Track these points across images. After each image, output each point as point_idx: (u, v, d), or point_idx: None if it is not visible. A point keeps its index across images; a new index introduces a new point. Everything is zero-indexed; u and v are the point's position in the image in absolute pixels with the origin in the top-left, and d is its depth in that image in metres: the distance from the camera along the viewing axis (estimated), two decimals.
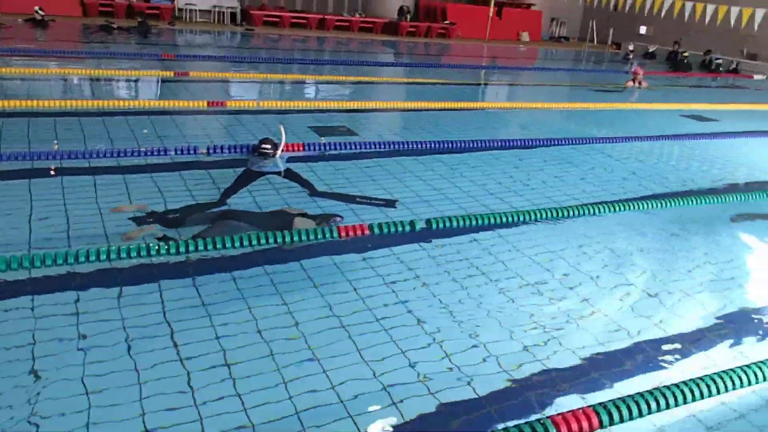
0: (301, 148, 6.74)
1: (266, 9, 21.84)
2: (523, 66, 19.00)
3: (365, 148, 7.20)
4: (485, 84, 14.56)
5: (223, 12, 20.78)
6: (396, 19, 23.03)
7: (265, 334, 3.40)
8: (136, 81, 10.38)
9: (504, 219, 5.13)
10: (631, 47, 22.03)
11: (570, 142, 8.25)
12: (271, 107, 9.06)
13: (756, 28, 19.88)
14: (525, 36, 26.61)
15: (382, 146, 7.28)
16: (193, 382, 2.95)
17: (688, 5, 22.52)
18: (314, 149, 6.96)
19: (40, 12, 16.24)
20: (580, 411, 2.70)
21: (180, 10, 20.29)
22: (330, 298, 3.84)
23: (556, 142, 8.10)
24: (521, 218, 5.24)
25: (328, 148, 7.11)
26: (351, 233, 4.51)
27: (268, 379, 3.01)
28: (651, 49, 23.26)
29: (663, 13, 23.18)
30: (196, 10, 20.41)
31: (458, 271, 4.39)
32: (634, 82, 14.33)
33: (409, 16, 23.07)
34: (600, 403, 2.77)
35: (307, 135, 7.58)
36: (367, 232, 4.56)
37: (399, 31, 22.71)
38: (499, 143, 7.84)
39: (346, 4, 24.21)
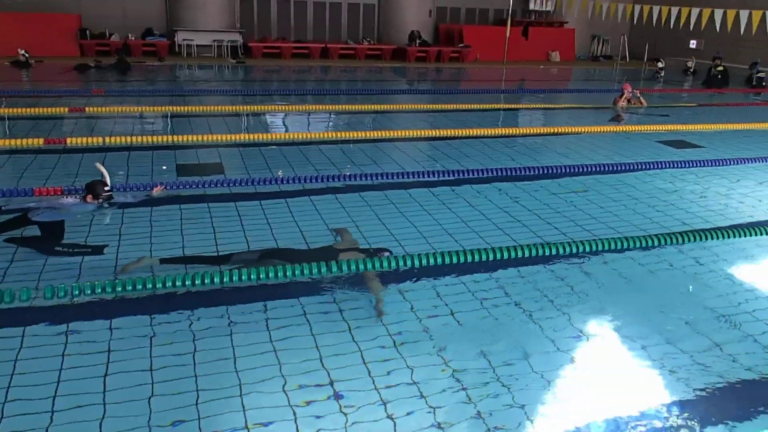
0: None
1: (267, 41, 21.42)
2: (519, 89, 17.35)
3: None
4: (464, 111, 12.79)
5: (224, 46, 20.54)
6: (405, 45, 21.95)
7: None
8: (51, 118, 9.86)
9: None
10: (660, 64, 19.66)
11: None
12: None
13: None
14: (555, 56, 24.73)
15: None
16: None
17: (743, 14, 20.01)
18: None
19: (24, 54, 16.51)
20: None
21: (179, 45, 20.22)
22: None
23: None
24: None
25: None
26: None
27: None
28: (690, 64, 20.79)
29: (716, 26, 20.73)
30: (194, 45, 20.27)
31: None
32: (621, 100, 12.37)
33: (418, 41, 21.91)
34: None
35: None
36: None
37: (407, 57, 21.61)
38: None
39: (360, 32, 23.44)
